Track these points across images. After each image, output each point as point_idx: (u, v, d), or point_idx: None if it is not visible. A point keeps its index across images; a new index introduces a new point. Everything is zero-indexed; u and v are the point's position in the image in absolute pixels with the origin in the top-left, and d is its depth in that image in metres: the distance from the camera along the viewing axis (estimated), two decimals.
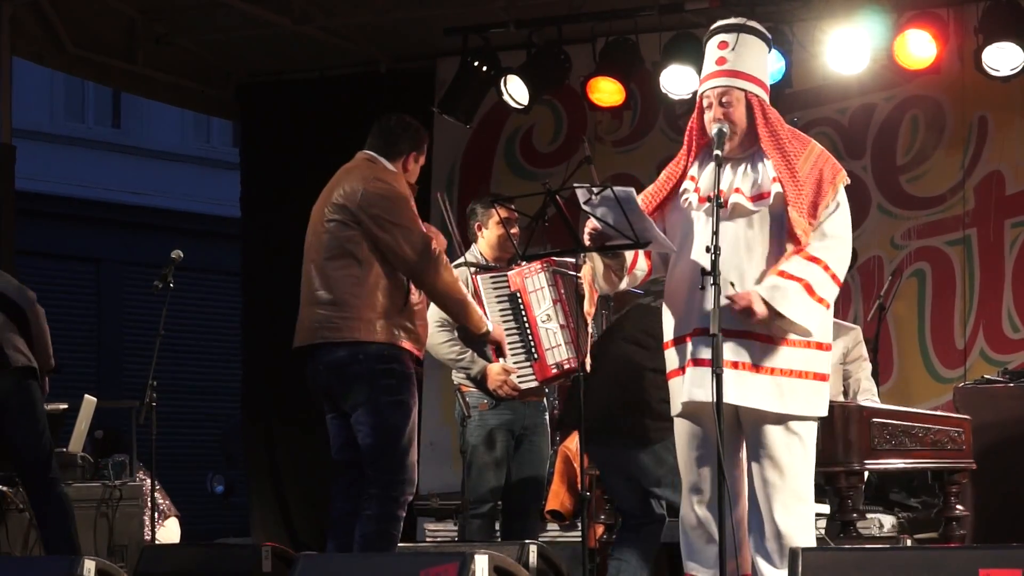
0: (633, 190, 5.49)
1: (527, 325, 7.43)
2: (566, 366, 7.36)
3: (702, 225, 5.52)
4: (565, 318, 7.40)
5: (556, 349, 7.39)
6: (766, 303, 5.36)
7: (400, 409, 6.33)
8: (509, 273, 7.51)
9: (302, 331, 6.53)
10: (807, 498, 5.54)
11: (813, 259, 5.45)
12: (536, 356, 7.42)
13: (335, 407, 6.47)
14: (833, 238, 5.51)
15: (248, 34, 10.95)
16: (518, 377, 7.44)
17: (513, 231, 7.44)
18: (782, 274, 5.40)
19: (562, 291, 7.43)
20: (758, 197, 5.51)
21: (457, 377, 7.66)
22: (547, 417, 7.79)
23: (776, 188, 5.49)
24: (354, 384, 6.35)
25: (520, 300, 7.46)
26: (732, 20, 5.67)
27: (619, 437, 6.63)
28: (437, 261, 6.40)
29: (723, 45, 5.59)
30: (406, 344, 6.38)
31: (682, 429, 5.64)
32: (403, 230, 6.35)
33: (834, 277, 5.48)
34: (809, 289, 5.41)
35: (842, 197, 5.58)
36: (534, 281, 7.44)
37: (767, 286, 5.40)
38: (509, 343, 7.35)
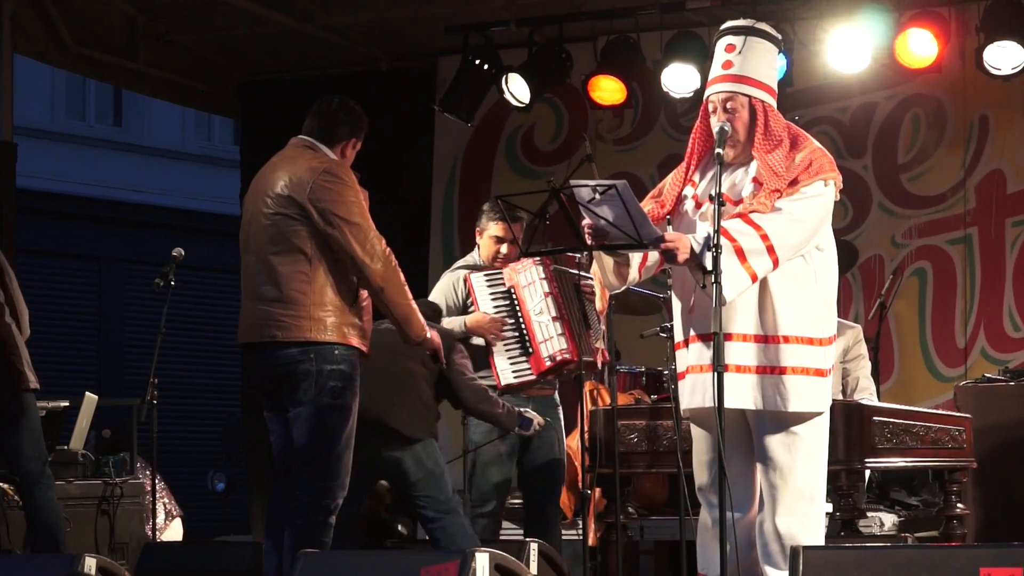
0: (627, 183, 5.44)
1: (521, 319, 7.45)
2: (559, 358, 7.37)
3: (698, 228, 5.51)
4: (558, 310, 7.41)
5: (549, 341, 7.40)
6: (692, 252, 5.27)
7: (341, 413, 6.14)
8: (504, 269, 7.53)
9: (246, 327, 6.34)
10: (812, 497, 5.50)
11: (753, 224, 5.33)
12: (531, 350, 7.42)
13: (277, 405, 6.27)
14: (783, 212, 5.37)
15: (249, 32, 10.95)
16: (514, 373, 7.44)
17: (505, 251, 7.47)
18: (720, 230, 5.24)
19: (555, 284, 7.44)
20: (738, 203, 5.49)
21: None
22: (559, 411, 7.75)
23: (749, 189, 5.46)
24: (301, 382, 6.13)
25: (514, 295, 7.47)
26: (741, 22, 5.61)
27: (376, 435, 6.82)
28: (387, 262, 6.16)
29: (730, 48, 5.54)
30: (355, 342, 6.18)
31: (693, 433, 5.65)
32: (353, 227, 6.13)
33: (771, 250, 5.32)
34: (740, 253, 5.29)
35: (823, 189, 5.45)
36: (526, 275, 7.46)
37: (699, 235, 5.32)
38: (506, 338, 7.35)
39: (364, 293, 6.26)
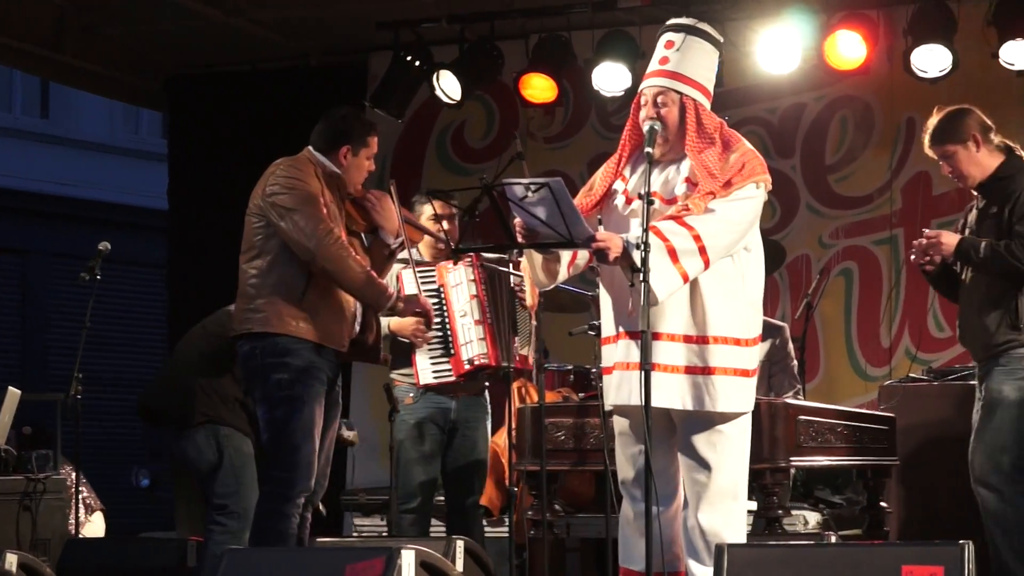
0: (562, 181, 5.45)
1: (447, 320, 7.44)
2: (476, 362, 7.38)
3: (629, 224, 5.52)
4: (481, 313, 7.40)
5: (469, 345, 7.40)
6: (624, 252, 5.30)
7: (292, 404, 6.24)
8: (437, 266, 7.51)
9: (231, 324, 6.56)
10: (736, 494, 5.55)
11: (685, 225, 5.35)
12: (453, 351, 7.42)
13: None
14: (715, 214, 5.39)
15: (178, 25, 10.87)
16: (434, 373, 7.44)
17: (448, 227, 7.42)
18: (652, 229, 5.27)
19: (482, 286, 7.42)
20: (671, 201, 5.50)
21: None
22: (486, 411, 7.74)
23: (682, 189, 5.48)
24: (253, 378, 6.33)
25: (443, 295, 7.46)
26: (683, 20, 5.64)
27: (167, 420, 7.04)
28: (325, 241, 6.21)
29: (669, 44, 5.57)
30: (307, 335, 6.27)
31: (617, 427, 5.67)
32: (296, 215, 6.23)
33: (702, 251, 5.34)
34: (672, 253, 5.31)
35: (754, 192, 5.49)
36: (455, 276, 7.44)
37: (632, 236, 5.33)
38: (431, 337, 7.34)
39: (323, 285, 6.31)
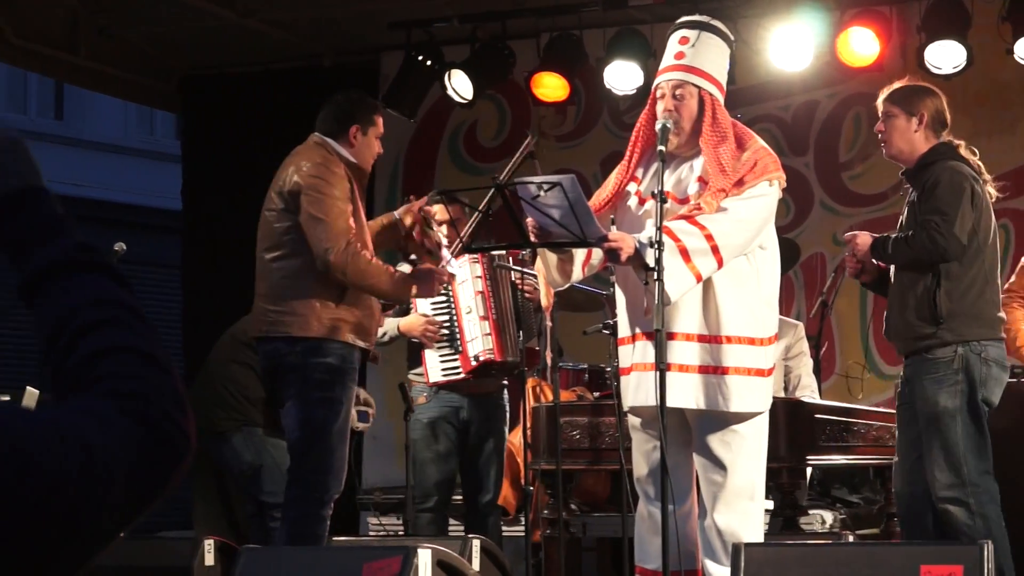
0: (576, 179, 5.44)
1: (454, 317, 7.45)
2: (482, 358, 7.39)
3: (643, 224, 5.52)
4: (486, 310, 7.41)
5: (475, 341, 7.42)
6: (636, 252, 5.29)
7: (330, 406, 6.21)
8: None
9: (253, 323, 6.52)
10: (753, 494, 5.54)
11: (698, 224, 5.35)
12: (460, 348, 7.43)
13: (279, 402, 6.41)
14: (728, 212, 5.39)
15: (192, 27, 10.89)
16: (443, 371, 7.45)
17: (445, 232, 7.41)
18: (664, 229, 5.27)
19: (488, 283, 7.43)
20: (684, 200, 5.50)
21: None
22: (502, 410, 7.74)
23: (695, 188, 5.48)
24: (287, 375, 6.24)
25: (451, 292, 7.47)
26: (696, 17, 5.68)
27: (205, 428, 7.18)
28: (341, 250, 6.15)
29: (684, 40, 5.59)
30: (347, 337, 6.24)
31: (632, 425, 5.67)
32: (317, 224, 6.19)
33: (715, 250, 5.34)
34: (684, 253, 5.31)
35: (768, 189, 5.49)
36: (462, 273, 7.45)
37: (644, 236, 5.32)
38: (441, 335, 7.35)
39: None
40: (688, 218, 5.38)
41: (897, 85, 6.48)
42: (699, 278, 5.34)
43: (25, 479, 1.57)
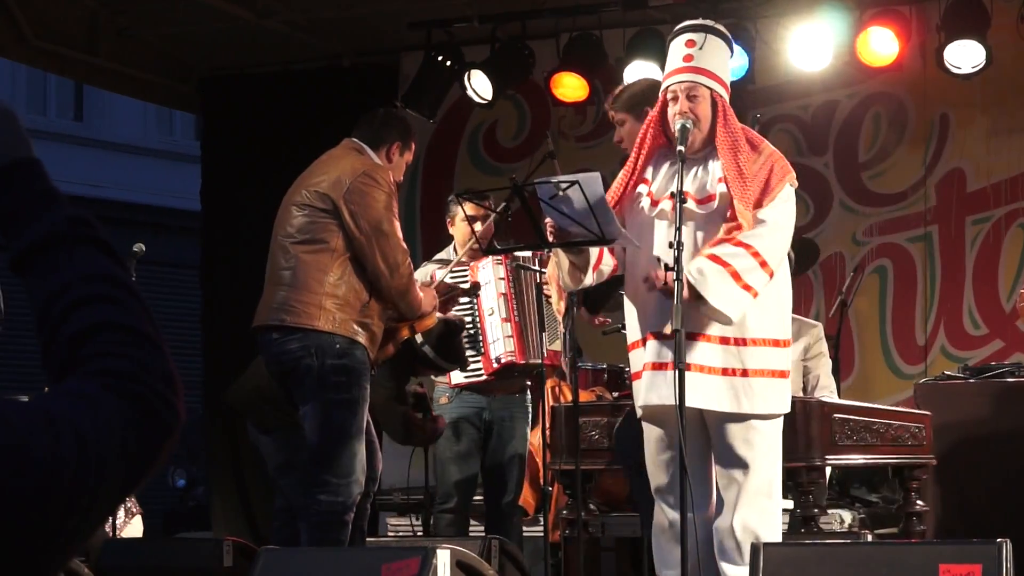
0: (599, 178, 5.46)
1: (477, 319, 7.45)
2: (504, 359, 7.39)
3: (655, 228, 5.53)
4: (508, 312, 7.41)
5: (497, 343, 7.42)
6: (689, 285, 5.32)
7: (350, 408, 6.18)
8: (471, 265, 7.52)
9: (262, 310, 6.41)
10: (770, 493, 5.55)
11: (742, 244, 5.39)
12: (483, 350, 7.44)
13: (277, 417, 6.45)
14: (767, 224, 5.45)
15: (211, 27, 10.91)
16: (465, 373, 7.45)
17: (479, 228, 7.42)
18: (711, 257, 5.35)
19: (510, 285, 7.43)
20: (705, 200, 5.51)
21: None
22: (524, 411, 7.73)
23: (720, 188, 5.49)
24: (304, 377, 6.21)
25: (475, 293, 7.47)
26: (699, 21, 5.73)
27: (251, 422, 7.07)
28: (404, 277, 6.25)
29: (690, 43, 5.61)
30: (362, 341, 6.24)
31: (647, 433, 5.65)
32: (380, 236, 6.21)
33: (764, 264, 5.40)
34: (735, 276, 5.35)
35: (788, 194, 5.55)
36: (485, 274, 7.45)
37: (693, 268, 5.36)
38: (465, 336, 7.36)
39: (379, 298, 6.31)
40: (730, 240, 5.41)
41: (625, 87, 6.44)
42: (755, 293, 5.40)
43: (20, 471, 1.58)
